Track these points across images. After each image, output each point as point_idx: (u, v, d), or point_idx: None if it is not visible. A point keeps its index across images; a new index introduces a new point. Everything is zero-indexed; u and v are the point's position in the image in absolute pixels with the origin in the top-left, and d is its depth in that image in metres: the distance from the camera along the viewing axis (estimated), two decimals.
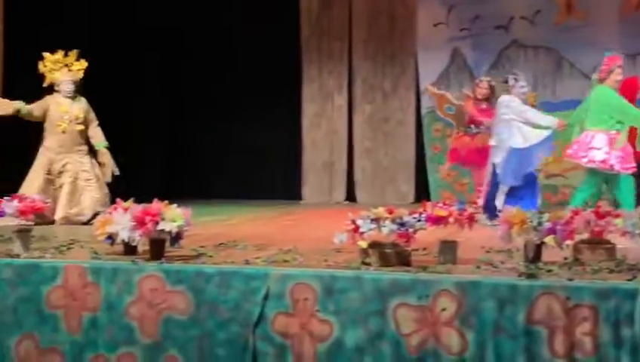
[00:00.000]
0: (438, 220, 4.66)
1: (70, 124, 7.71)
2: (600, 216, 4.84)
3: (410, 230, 4.53)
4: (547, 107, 8.89)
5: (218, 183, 11.52)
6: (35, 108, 7.69)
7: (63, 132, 7.70)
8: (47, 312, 4.61)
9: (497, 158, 7.47)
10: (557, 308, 3.97)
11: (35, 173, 7.61)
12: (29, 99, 7.80)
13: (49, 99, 7.77)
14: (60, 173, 7.64)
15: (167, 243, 4.82)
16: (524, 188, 7.32)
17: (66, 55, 7.81)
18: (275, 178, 11.69)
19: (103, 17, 10.39)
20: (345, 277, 4.28)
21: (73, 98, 7.81)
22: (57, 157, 7.68)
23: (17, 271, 4.69)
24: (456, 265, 4.59)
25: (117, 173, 7.82)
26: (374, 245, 4.56)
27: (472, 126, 8.30)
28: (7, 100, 7.65)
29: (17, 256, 4.93)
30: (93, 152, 7.92)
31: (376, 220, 4.54)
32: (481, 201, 7.62)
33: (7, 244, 5.25)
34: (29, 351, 4.63)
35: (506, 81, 7.63)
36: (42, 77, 7.78)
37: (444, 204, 4.82)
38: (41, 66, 7.73)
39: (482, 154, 8.11)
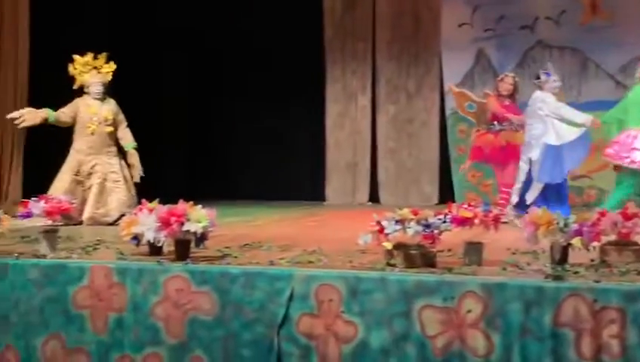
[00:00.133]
0: (463, 221, 4.64)
1: (99, 126, 7.78)
2: (627, 217, 4.80)
3: (436, 231, 4.51)
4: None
5: (241, 184, 11.55)
6: (62, 115, 7.76)
7: (92, 133, 7.76)
8: (74, 312, 4.63)
9: (533, 154, 7.39)
10: (584, 311, 3.93)
11: (63, 175, 7.67)
12: (54, 99, 7.86)
13: (78, 102, 7.84)
14: (89, 174, 7.70)
15: (192, 244, 4.84)
16: (554, 192, 7.27)
17: (95, 57, 7.87)
18: (299, 179, 11.70)
19: (123, 18, 10.43)
20: (370, 279, 4.27)
21: (102, 100, 7.88)
22: (86, 159, 7.74)
23: (44, 271, 4.72)
24: (481, 267, 4.56)
25: (141, 174, 7.86)
26: (399, 246, 4.55)
27: (496, 123, 8.20)
28: (34, 110, 7.71)
29: (44, 256, 4.96)
30: (122, 153, 7.97)
31: (401, 221, 4.52)
32: (515, 199, 7.52)
33: (34, 245, 5.29)
34: (55, 351, 4.66)
35: (538, 77, 7.57)
36: (69, 78, 7.84)
37: (470, 206, 4.79)
38: (71, 69, 7.81)
39: (506, 151, 8.05)
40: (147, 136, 8.24)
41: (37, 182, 7.53)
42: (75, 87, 7.86)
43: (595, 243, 4.69)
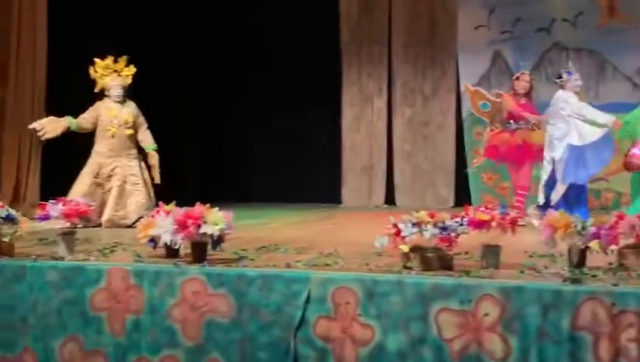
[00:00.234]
0: (480, 224, 4.62)
1: (119, 129, 7.83)
2: None
3: (453, 234, 4.51)
4: None
5: (257, 186, 11.56)
6: (83, 121, 7.83)
7: (112, 136, 7.82)
8: (91, 314, 4.65)
9: (556, 154, 7.35)
10: (602, 314, 3.91)
11: (83, 177, 7.72)
12: (71, 98, 7.91)
13: (99, 106, 7.91)
14: (109, 176, 7.75)
15: (209, 247, 4.85)
16: (575, 194, 7.23)
17: (115, 61, 7.92)
18: (315, 181, 11.69)
19: (137, 16, 10.44)
20: (386, 281, 4.27)
21: (122, 102, 7.93)
22: (107, 162, 7.79)
23: (62, 273, 4.74)
24: (499, 270, 4.55)
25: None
26: (416, 249, 4.54)
27: (512, 122, 8.16)
28: (55, 119, 7.76)
29: (62, 258, 4.99)
30: (143, 155, 8.01)
31: (417, 224, 4.53)
32: (541, 198, 7.46)
33: (52, 247, 5.32)
34: (73, 353, 4.68)
35: (559, 77, 7.53)
36: (86, 76, 7.90)
37: (487, 208, 4.78)
38: (91, 72, 7.87)
39: (522, 150, 8.02)
40: (162, 137, 8.26)
41: (55, 185, 7.57)
42: (95, 90, 7.92)
43: (613, 247, 4.67)
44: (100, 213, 7.53)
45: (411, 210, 4.70)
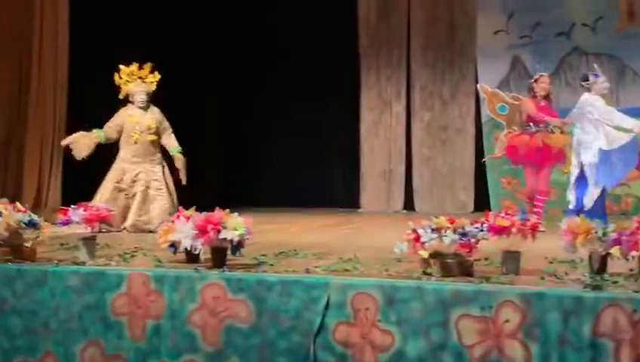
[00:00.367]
0: (500, 230, 4.61)
1: (142, 135, 7.88)
2: None
3: (473, 240, 4.49)
4: None
5: (275, 190, 11.58)
6: (109, 131, 7.90)
7: (135, 142, 7.87)
8: (112, 319, 4.68)
9: (585, 158, 7.29)
10: (623, 321, 3.90)
11: (107, 183, 7.80)
12: (92, 98, 7.92)
13: (122, 113, 7.97)
14: (133, 181, 7.80)
15: (229, 252, 4.86)
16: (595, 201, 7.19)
17: (140, 67, 7.98)
18: (333, 186, 11.72)
19: (160, 11, 10.50)
20: (406, 287, 4.26)
21: (146, 108, 7.98)
22: (130, 167, 7.85)
23: (83, 278, 4.77)
24: (519, 276, 4.54)
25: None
26: (436, 255, 4.53)
27: (532, 124, 8.11)
28: (86, 134, 7.81)
29: (83, 263, 5.02)
30: (167, 160, 8.06)
31: (437, 230, 4.51)
32: (572, 204, 7.40)
33: (73, 252, 5.35)
34: (94, 357, 4.70)
35: (586, 79, 7.47)
36: (106, 74, 7.97)
37: (507, 214, 4.76)
38: (116, 78, 7.93)
39: (543, 153, 7.95)
40: (182, 142, 8.30)
41: (76, 189, 7.62)
42: (120, 96, 7.98)
43: (634, 253, 4.62)
44: (124, 218, 7.61)
45: (430, 216, 4.69)
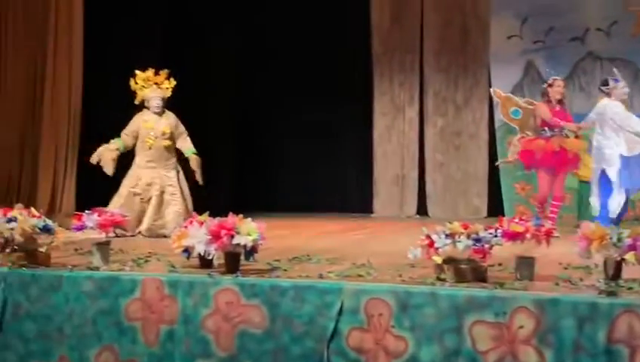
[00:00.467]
0: (514, 236, 4.59)
1: (156, 140, 7.92)
2: None
3: (487, 246, 4.48)
4: None
5: (288, 195, 11.58)
6: (127, 138, 7.96)
7: (150, 148, 7.91)
8: (126, 324, 4.69)
9: (609, 164, 7.24)
10: (638, 327, 3.88)
11: (122, 189, 7.85)
12: (105, 92, 7.92)
13: (137, 119, 8.02)
14: (149, 185, 7.83)
15: (242, 257, 4.87)
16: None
17: (156, 73, 8.03)
18: (346, 191, 11.71)
19: (175, 13, 10.53)
20: (420, 293, 4.26)
21: (161, 114, 8.02)
22: (145, 172, 7.89)
23: (98, 283, 4.79)
24: (533, 282, 4.52)
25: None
26: (449, 260, 4.52)
27: (546, 129, 8.07)
28: (107, 147, 7.86)
29: (97, 268, 5.04)
30: (184, 164, 8.09)
31: (451, 235, 4.50)
32: (596, 210, 7.36)
33: (88, 257, 5.37)
34: None
35: (606, 84, 7.42)
36: (121, 74, 8.04)
37: (521, 220, 4.75)
38: (132, 84, 7.97)
39: (559, 157, 7.92)
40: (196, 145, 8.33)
41: (90, 194, 7.66)
42: (136, 101, 8.03)
43: None
44: (139, 223, 7.66)
45: (444, 221, 4.68)
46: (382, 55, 11.50)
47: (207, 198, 7.41)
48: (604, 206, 7.25)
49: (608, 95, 7.37)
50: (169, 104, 8.11)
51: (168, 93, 8.06)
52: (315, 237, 7.99)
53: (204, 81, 10.68)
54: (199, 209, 5.18)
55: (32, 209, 5.41)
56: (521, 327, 4.01)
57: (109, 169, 7.79)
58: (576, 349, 3.94)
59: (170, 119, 8.07)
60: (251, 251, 4.84)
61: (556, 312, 3.98)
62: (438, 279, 4.51)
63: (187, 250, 4.99)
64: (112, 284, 4.77)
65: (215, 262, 4.95)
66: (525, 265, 4.64)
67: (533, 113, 8.53)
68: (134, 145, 7.99)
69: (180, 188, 7.95)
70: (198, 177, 7.98)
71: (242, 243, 4.77)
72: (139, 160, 7.98)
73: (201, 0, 10.91)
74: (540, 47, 10.45)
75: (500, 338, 4.05)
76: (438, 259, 4.53)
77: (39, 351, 4.83)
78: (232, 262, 4.84)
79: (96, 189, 7.94)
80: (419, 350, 4.18)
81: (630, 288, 4.29)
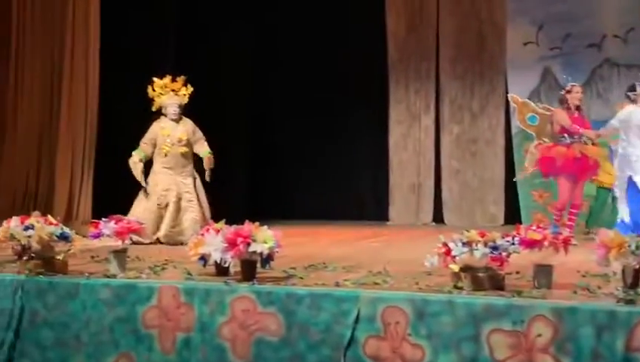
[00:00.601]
0: (532, 244, 4.57)
1: (173, 147, 7.95)
2: None
3: (504, 253, 4.46)
4: None
5: (303, 203, 11.57)
6: (146, 147, 8.03)
7: (166, 155, 7.94)
8: (143, 332, 4.70)
9: (637, 172, 7.16)
10: None
11: (141, 197, 7.91)
12: (122, 98, 7.95)
13: (154, 127, 8.07)
14: (166, 191, 7.85)
15: (258, 265, 4.86)
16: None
17: (173, 80, 8.08)
18: (362, 198, 11.70)
19: (191, 10, 10.57)
20: (437, 301, 4.24)
21: (178, 121, 8.05)
22: (162, 179, 7.93)
23: (114, 291, 4.80)
24: (551, 290, 4.49)
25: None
26: (467, 269, 4.50)
27: (566, 135, 8.01)
28: (131, 161, 7.93)
29: (114, 276, 5.05)
30: (199, 172, 8.13)
31: (468, 243, 4.48)
32: (625, 218, 7.30)
33: (105, 264, 5.38)
34: None
35: (633, 89, 7.35)
36: (146, 95, 8.06)
37: (538, 227, 4.72)
38: (149, 91, 8.02)
39: (581, 163, 7.86)
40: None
41: (107, 202, 7.68)
42: (153, 108, 8.09)
43: None
44: (156, 229, 7.70)
45: (460, 229, 4.67)
46: (397, 62, 11.49)
47: (223, 206, 7.42)
48: (634, 214, 7.17)
49: (634, 101, 7.29)
50: (187, 110, 8.14)
51: (185, 100, 8.11)
52: (331, 244, 7.98)
53: (216, 81, 10.69)
54: (215, 217, 5.17)
55: (50, 216, 5.44)
56: (539, 336, 3.99)
57: (142, 180, 7.90)
58: (594, 358, 3.91)
59: (187, 126, 8.10)
60: (267, 259, 4.84)
61: (574, 321, 3.96)
62: (455, 287, 4.49)
63: (203, 258, 4.99)
64: (129, 292, 4.78)
65: (231, 270, 4.95)
66: (543, 273, 4.61)
67: (550, 120, 8.49)
68: (154, 153, 8.04)
69: (197, 195, 7.99)
70: (207, 176, 8.02)
71: (258, 250, 4.77)
72: (156, 166, 8.03)
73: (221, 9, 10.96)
74: (556, 54, 10.40)
75: (517, 347, 4.02)
76: (455, 267, 4.51)
77: (56, 359, 4.84)
78: (249, 269, 4.84)
79: (113, 197, 7.97)
80: (436, 358, 4.16)
81: None
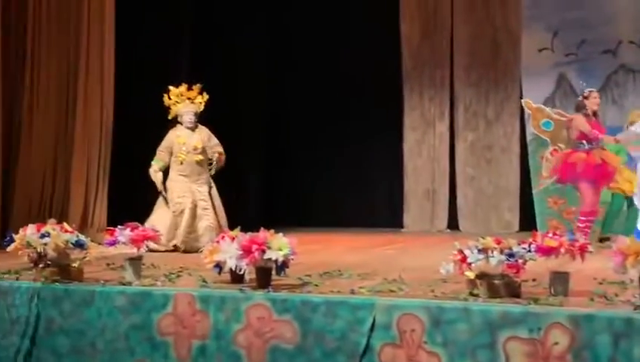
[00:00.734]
0: (548, 251, 4.54)
1: (188, 155, 7.99)
2: None
3: (520, 261, 4.44)
4: None
5: (318, 210, 11.57)
6: (164, 156, 8.10)
7: (182, 163, 7.98)
8: (159, 339, 4.71)
9: None
10: None
11: (160, 203, 7.98)
12: (137, 104, 7.98)
13: (170, 135, 8.12)
14: (181, 198, 7.87)
15: (274, 272, 4.86)
16: None
17: (189, 88, 8.11)
18: (376, 205, 11.69)
19: (206, 11, 10.59)
20: (453, 309, 4.23)
21: (194, 129, 8.08)
22: (178, 186, 7.96)
23: (130, 298, 4.82)
24: (568, 298, 4.46)
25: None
26: (482, 276, 4.48)
27: (584, 142, 7.97)
28: (153, 174, 8.04)
29: (129, 283, 5.06)
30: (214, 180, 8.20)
31: (484, 250, 4.46)
32: None
33: (120, 272, 5.39)
34: None
35: None
36: (162, 105, 8.11)
37: (555, 234, 4.69)
38: (165, 99, 8.05)
39: (601, 169, 7.82)
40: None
41: (122, 210, 7.70)
42: (169, 117, 8.13)
43: None
44: (173, 236, 7.73)
45: (475, 235, 4.65)
46: (412, 70, 11.48)
47: (238, 213, 7.44)
48: None
49: None
50: (202, 115, 8.16)
51: (201, 108, 8.14)
52: (345, 251, 7.97)
53: (232, 87, 10.73)
54: (230, 223, 5.18)
55: (65, 224, 5.46)
56: (556, 343, 3.97)
57: (162, 189, 7.99)
58: None
59: (202, 134, 8.13)
60: (282, 266, 4.84)
61: (591, 328, 3.94)
62: (471, 294, 4.47)
63: (219, 265, 4.99)
64: (145, 299, 4.79)
65: (246, 277, 4.95)
66: (560, 281, 4.58)
67: (567, 125, 8.44)
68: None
69: (212, 202, 8.01)
70: (212, 169, 8.09)
71: (273, 258, 4.77)
72: (172, 174, 8.07)
73: (230, 2, 10.98)
74: (571, 60, 10.36)
75: (534, 355, 4.00)
76: (471, 275, 4.49)
77: None
78: (264, 277, 4.84)
79: (128, 204, 8.00)
80: None
81: None
